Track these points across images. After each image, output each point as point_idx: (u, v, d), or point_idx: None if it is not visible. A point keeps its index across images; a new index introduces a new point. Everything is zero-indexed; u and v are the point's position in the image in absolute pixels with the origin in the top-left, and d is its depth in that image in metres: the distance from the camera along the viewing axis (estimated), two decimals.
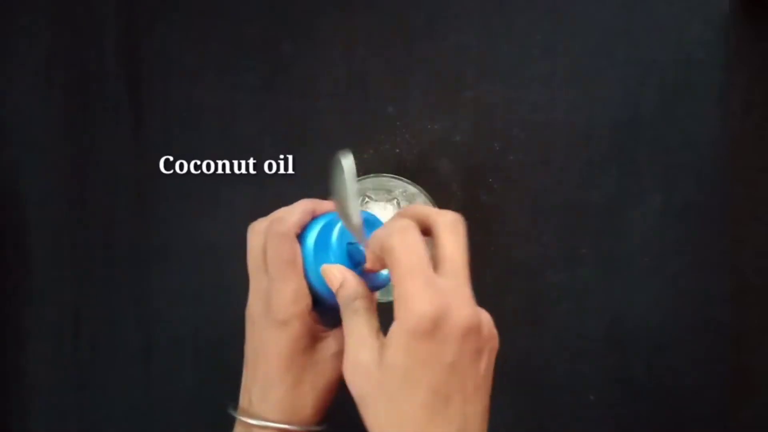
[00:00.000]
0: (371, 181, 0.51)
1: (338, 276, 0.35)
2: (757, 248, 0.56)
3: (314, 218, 0.40)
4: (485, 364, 0.32)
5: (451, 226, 0.33)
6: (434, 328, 0.30)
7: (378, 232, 0.33)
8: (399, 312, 0.31)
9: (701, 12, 0.56)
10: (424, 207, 0.37)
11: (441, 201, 0.55)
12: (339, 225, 0.38)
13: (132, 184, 0.57)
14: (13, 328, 0.57)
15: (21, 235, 0.57)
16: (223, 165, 0.57)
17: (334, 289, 0.35)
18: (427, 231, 0.34)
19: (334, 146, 0.56)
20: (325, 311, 0.38)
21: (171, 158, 0.57)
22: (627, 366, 0.57)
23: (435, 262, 0.33)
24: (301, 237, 0.38)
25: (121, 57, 0.57)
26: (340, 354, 0.35)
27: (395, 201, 0.53)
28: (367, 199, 0.53)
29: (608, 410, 0.57)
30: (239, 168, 0.57)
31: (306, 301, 0.37)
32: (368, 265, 0.35)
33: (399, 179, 0.50)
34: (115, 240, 0.57)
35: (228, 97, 0.57)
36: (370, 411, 0.32)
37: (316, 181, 0.56)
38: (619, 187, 0.56)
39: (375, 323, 0.34)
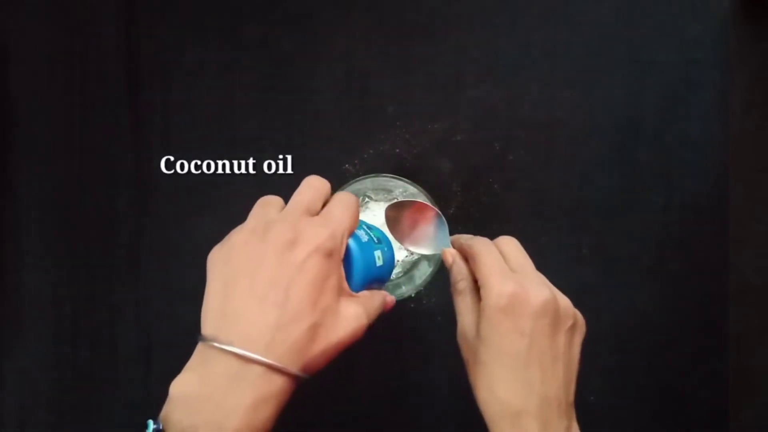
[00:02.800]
0: (371, 181, 0.51)
1: (449, 258, 0.43)
2: (757, 248, 0.56)
3: None
4: (565, 340, 0.38)
5: (509, 242, 0.42)
6: (511, 304, 0.37)
7: (463, 244, 0.42)
8: (484, 297, 0.38)
9: (701, 12, 0.56)
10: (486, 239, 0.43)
11: (441, 201, 0.55)
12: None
13: (132, 184, 0.57)
14: (14, 328, 0.57)
15: (21, 234, 0.57)
16: (223, 165, 0.57)
17: (447, 266, 0.43)
18: None
19: (334, 146, 0.57)
20: (354, 284, 0.38)
21: (171, 158, 0.57)
22: (627, 366, 0.57)
23: None
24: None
25: (121, 57, 0.57)
26: (360, 319, 0.35)
27: (395, 201, 0.53)
28: (367, 199, 0.53)
29: (608, 410, 0.57)
30: (239, 168, 0.57)
31: (344, 251, 0.36)
32: (447, 264, 0.43)
33: (399, 179, 0.50)
34: (115, 240, 0.57)
35: (228, 97, 0.57)
36: (470, 372, 0.39)
37: None
38: (619, 187, 0.56)
39: (477, 302, 0.39)
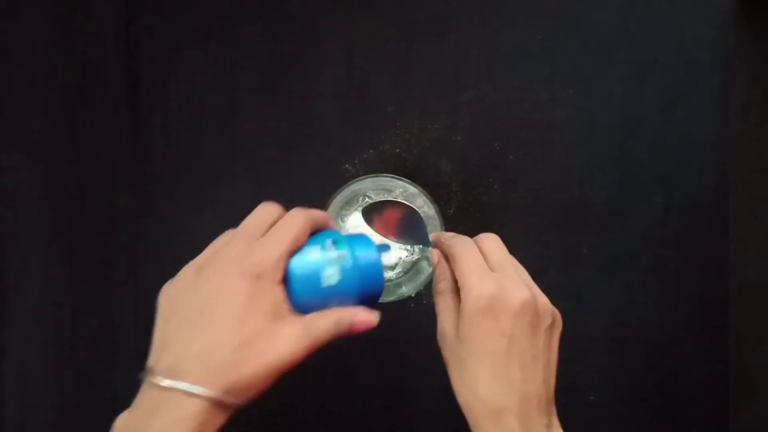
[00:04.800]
0: (371, 181, 0.51)
1: (435, 258, 0.43)
2: (757, 248, 0.56)
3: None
4: (544, 339, 0.39)
5: (488, 238, 0.42)
6: (491, 305, 0.37)
7: (443, 244, 0.42)
8: (464, 297, 0.38)
9: (701, 12, 0.56)
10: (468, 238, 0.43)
11: (441, 201, 0.55)
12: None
13: (132, 184, 0.57)
14: (13, 328, 0.57)
15: (21, 234, 0.57)
16: (223, 165, 0.57)
17: (433, 266, 0.43)
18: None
19: (334, 146, 0.57)
20: (297, 307, 0.37)
21: (171, 158, 0.57)
22: (627, 366, 0.57)
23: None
24: (320, 233, 0.39)
25: (121, 57, 0.57)
26: (300, 341, 0.34)
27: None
28: (367, 199, 0.53)
29: (608, 410, 0.57)
30: (239, 168, 0.57)
31: (282, 273, 0.35)
32: (433, 264, 0.43)
33: (399, 179, 0.50)
34: (115, 240, 0.57)
35: (228, 97, 0.57)
36: (450, 373, 0.39)
37: (315, 181, 0.56)
38: (619, 187, 0.56)
39: (457, 303, 0.39)
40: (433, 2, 0.56)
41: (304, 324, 0.35)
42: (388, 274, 0.54)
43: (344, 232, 0.52)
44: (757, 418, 0.56)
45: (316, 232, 0.39)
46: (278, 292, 0.35)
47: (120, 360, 0.57)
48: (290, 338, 0.34)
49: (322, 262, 0.37)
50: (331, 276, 0.37)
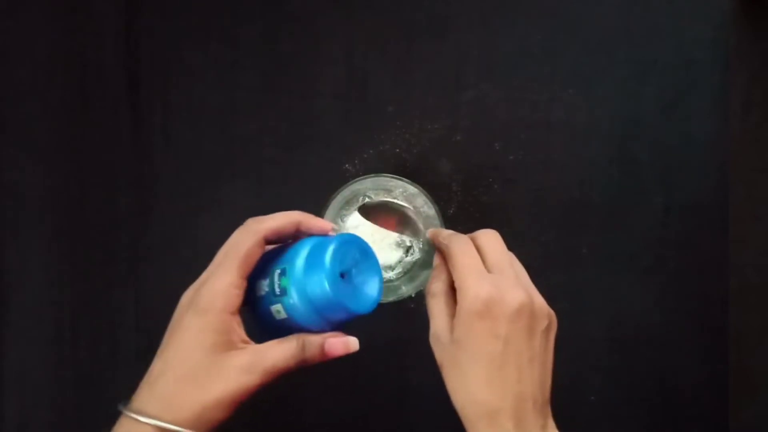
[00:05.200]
0: (371, 181, 0.51)
1: (437, 260, 0.43)
2: (757, 248, 0.56)
3: (300, 235, 0.39)
4: (540, 341, 0.38)
5: (487, 236, 0.41)
6: (487, 308, 0.37)
7: (441, 243, 0.42)
8: (460, 299, 0.38)
9: (701, 12, 0.56)
10: (467, 235, 0.43)
11: (441, 201, 0.55)
12: (331, 249, 0.36)
13: (132, 184, 0.57)
14: (13, 328, 0.57)
15: (21, 234, 0.57)
16: (223, 165, 0.57)
17: (435, 265, 0.42)
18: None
19: (334, 146, 0.57)
20: (264, 330, 0.36)
21: (171, 158, 0.57)
22: (627, 366, 0.57)
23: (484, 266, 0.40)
24: (288, 251, 0.37)
25: (121, 57, 0.57)
26: (249, 370, 0.34)
27: (395, 201, 0.53)
28: (366, 199, 0.53)
29: (608, 410, 0.57)
30: (239, 168, 0.57)
31: (235, 300, 0.35)
32: (435, 263, 0.43)
33: (399, 179, 0.50)
34: (115, 240, 0.57)
35: (228, 97, 0.57)
36: (445, 375, 0.39)
37: (315, 181, 0.56)
38: (619, 187, 0.56)
39: (451, 304, 0.40)
40: (433, 2, 0.56)
41: (256, 353, 0.35)
42: (388, 275, 0.54)
43: (344, 231, 0.52)
44: (757, 418, 0.56)
45: (308, 235, 0.38)
46: (228, 323, 0.35)
47: (120, 360, 0.57)
48: (238, 369, 0.34)
49: (269, 298, 0.36)
50: (279, 312, 0.36)
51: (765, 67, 0.56)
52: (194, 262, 0.58)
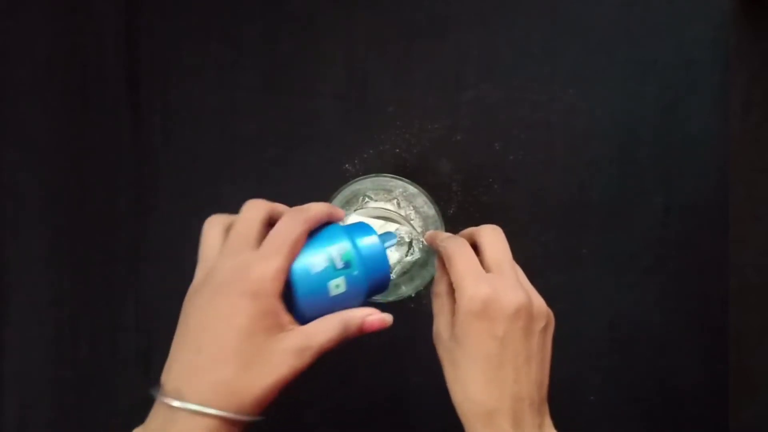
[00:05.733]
0: (371, 181, 0.51)
1: (437, 263, 0.43)
2: (757, 248, 0.56)
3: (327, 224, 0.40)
4: (538, 341, 0.39)
5: (488, 233, 0.41)
6: (485, 308, 0.37)
7: (438, 246, 0.42)
8: (458, 300, 0.38)
9: (701, 12, 0.56)
10: (469, 228, 0.43)
11: (441, 201, 0.55)
12: (376, 228, 0.40)
13: (132, 184, 0.57)
14: (13, 328, 0.57)
15: (21, 234, 0.57)
16: (223, 165, 0.57)
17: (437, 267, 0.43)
18: (475, 246, 0.41)
19: (334, 146, 0.57)
20: (303, 315, 0.37)
21: (171, 157, 0.57)
22: (627, 366, 0.57)
23: (483, 265, 0.40)
24: (334, 231, 0.39)
25: (121, 57, 0.57)
26: (300, 353, 0.35)
27: (395, 201, 0.53)
28: (366, 199, 0.53)
29: (608, 410, 0.57)
30: (239, 168, 0.57)
31: (282, 285, 0.35)
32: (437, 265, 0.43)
33: (399, 179, 0.50)
34: (115, 240, 0.57)
35: (228, 97, 0.57)
36: (445, 372, 0.39)
37: (315, 181, 0.56)
38: (619, 187, 0.56)
39: (452, 304, 0.40)
40: (433, 2, 0.56)
41: (306, 335, 0.35)
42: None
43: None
44: (757, 418, 0.56)
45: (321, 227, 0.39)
46: (278, 306, 0.35)
47: (120, 360, 0.57)
48: (292, 352, 0.35)
49: (328, 273, 0.37)
50: (338, 286, 0.37)
51: (765, 67, 0.56)
52: (194, 262, 0.58)
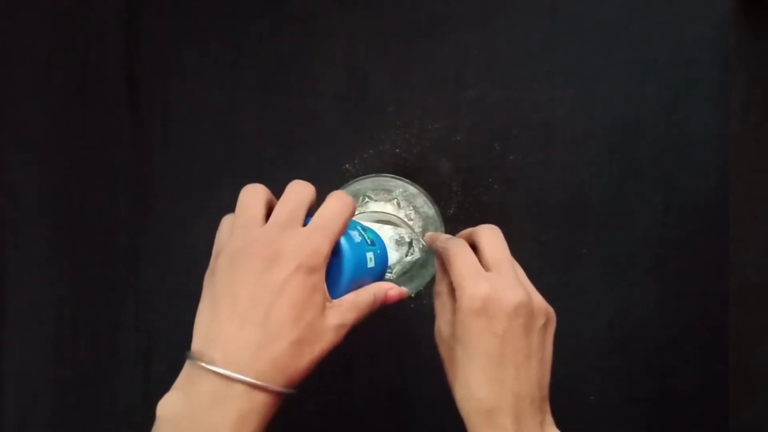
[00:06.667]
0: (371, 181, 0.51)
1: (437, 264, 0.43)
2: (757, 248, 0.56)
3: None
4: (538, 338, 0.39)
5: (487, 232, 0.41)
6: (485, 306, 0.37)
7: (438, 247, 0.43)
8: (458, 299, 0.38)
9: (701, 12, 0.56)
10: (467, 229, 0.44)
11: (441, 201, 0.55)
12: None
13: (132, 184, 0.57)
14: (13, 328, 0.57)
15: (21, 234, 0.57)
16: (223, 165, 0.57)
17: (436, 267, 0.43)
18: (473, 246, 0.42)
19: (334, 146, 0.57)
20: (339, 288, 0.38)
21: (171, 158, 0.57)
22: (627, 366, 0.57)
23: (482, 264, 0.40)
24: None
25: (121, 57, 0.57)
26: (339, 329, 0.35)
27: (395, 201, 0.53)
28: (367, 199, 0.53)
29: (608, 410, 0.57)
30: (239, 168, 0.57)
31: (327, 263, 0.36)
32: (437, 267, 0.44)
33: (399, 179, 0.50)
34: (115, 240, 0.57)
35: (228, 97, 0.57)
36: (447, 371, 0.40)
37: (315, 181, 0.56)
38: (619, 187, 0.56)
39: (453, 301, 0.40)
40: (433, 2, 0.56)
41: (342, 312, 0.36)
42: (388, 275, 0.54)
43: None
44: (757, 418, 0.56)
45: None
46: (324, 283, 0.36)
47: (120, 360, 0.57)
48: (335, 328, 0.35)
49: (366, 246, 0.39)
50: (371, 260, 0.40)
51: (765, 67, 0.56)
52: (194, 262, 0.58)
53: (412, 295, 0.51)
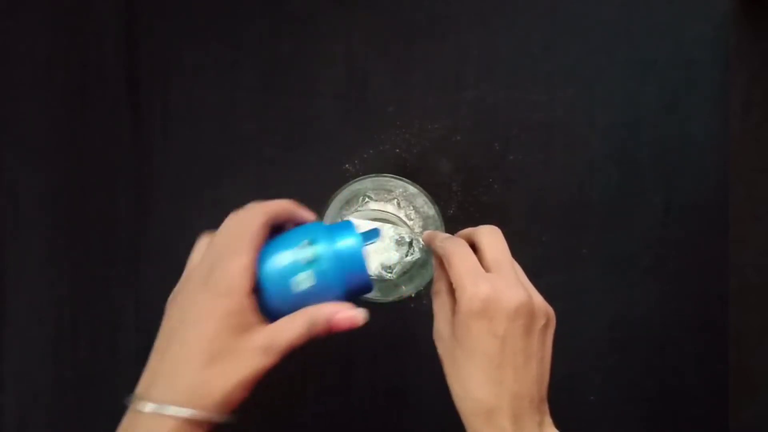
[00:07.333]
0: (371, 181, 0.51)
1: (435, 262, 0.43)
2: (757, 248, 0.56)
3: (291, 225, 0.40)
4: (538, 339, 0.39)
5: (487, 233, 0.41)
6: (485, 307, 0.37)
7: (437, 247, 0.42)
8: (458, 299, 0.38)
9: (701, 12, 0.56)
10: (467, 229, 0.43)
11: (441, 201, 0.55)
12: (353, 224, 0.39)
13: (132, 184, 0.57)
14: (13, 328, 0.57)
15: (21, 234, 0.57)
16: (223, 165, 0.57)
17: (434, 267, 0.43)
18: (473, 246, 0.41)
19: (334, 146, 0.57)
20: (270, 312, 0.36)
21: (171, 158, 0.57)
22: (627, 366, 0.57)
23: (483, 265, 0.40)
24: (302, 228, 0.38)
25: (121, 57, 0.57)
26: (267, 351, 0.34)
27: (395, 201, 0.53)
28: (367, 199, 0.53)
29: (608, 410, 0.57)
30: (239, 168, 0.57)
31: (250, 282, 0.35)
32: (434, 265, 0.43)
33: (399, 179, 0.50)
34: (115, 240, 0.57)
35: (228, 97, 0.57)
36: (446, 371, 0.39)
37: (315, 181, 0.56)
38: (619, 187, 0.56)
39: (452, 302, 0.40)
40: (433, 2, 0.56)
41: (271, 333, 0.35)
42: (388, 275, 0.54)
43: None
44: (757, 418, 0.56)
45: (296, 224, 0.39)
46: (246, 303, 0.35)
47: (120, 360, 0.57)
48: (257, 351, 0.34)
49: (293, 268, 0.36)
50: (303, 281, 0.36)
51: (765, 67, 0.56)
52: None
53: (413, 295, 0.50)
